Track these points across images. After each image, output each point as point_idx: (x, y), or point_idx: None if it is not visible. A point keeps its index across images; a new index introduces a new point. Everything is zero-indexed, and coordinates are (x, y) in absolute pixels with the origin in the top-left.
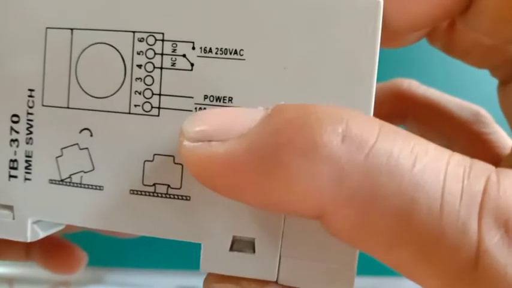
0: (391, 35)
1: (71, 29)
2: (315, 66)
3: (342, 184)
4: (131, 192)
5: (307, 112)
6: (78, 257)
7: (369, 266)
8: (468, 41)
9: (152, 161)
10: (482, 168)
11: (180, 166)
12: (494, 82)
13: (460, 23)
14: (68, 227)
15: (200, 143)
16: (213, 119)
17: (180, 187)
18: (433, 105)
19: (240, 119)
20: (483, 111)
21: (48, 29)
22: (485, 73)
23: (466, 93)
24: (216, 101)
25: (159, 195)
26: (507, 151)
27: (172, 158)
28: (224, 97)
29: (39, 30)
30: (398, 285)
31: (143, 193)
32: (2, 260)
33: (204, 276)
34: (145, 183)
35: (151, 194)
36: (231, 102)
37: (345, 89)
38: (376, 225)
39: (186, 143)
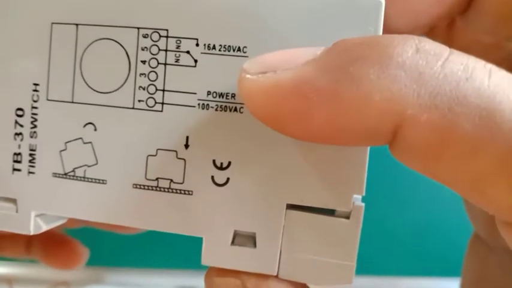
0: (391, 33)
1: (76, 25)
2: None
3: (421, 86)
4: (134, 186)
5: (374, 36)
6: (79, 252)
7: (369, 266)
8: (467, 39)
9: (155, 155)
10: None
11: (183, 161)
12: None
13: (459, 21)
14: (70, 222)
15: (263, 74)
16: (275, 54)
17: (183, 182)
18: None
19: (303, 52)
20: None
21: (53, 24)
22: None
23: None
24: (219, 97)
25: (162, 189)
26: None
27: (175, 152)
28: (227, 93)
29: (44, 25)
30: (399, 285)
31: (146, 187)
32: (2, 255)
33: (203, 275)
34: (148, 177)
35: (154, 188)
36: (234, 99)
37: None
38: (460, 128)
39: (248, 75)
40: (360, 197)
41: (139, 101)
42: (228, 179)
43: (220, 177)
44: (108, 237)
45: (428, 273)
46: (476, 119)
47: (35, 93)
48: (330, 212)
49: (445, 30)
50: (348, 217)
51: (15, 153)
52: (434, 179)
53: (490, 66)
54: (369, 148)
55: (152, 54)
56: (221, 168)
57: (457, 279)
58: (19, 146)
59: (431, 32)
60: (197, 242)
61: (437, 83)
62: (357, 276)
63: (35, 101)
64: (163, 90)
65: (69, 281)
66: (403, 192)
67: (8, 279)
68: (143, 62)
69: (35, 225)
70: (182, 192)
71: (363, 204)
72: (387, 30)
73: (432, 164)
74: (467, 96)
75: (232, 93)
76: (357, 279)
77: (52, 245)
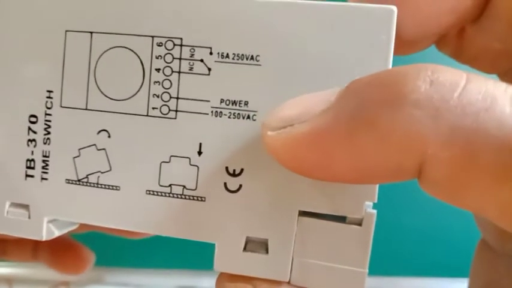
0: (403, 42)
1: (91, 33)
2: (329, 72)
3: (439, 122)
4: (147, 192)
5: (385, 72)
6: (86, 257)
7: (369, 266)
8: (477, 47)
9: (169, 162)
10: None
11: (196, 168)
12: None
13: (472, 28)
14: (78, 227)
15: (283, 129)
16: (291, 106)
17: (196, 188)
18: None
19: (317, 99)
20: None
21: (67, 32)
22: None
23: None
24: (232, 104)
25: (175, 195)
26: None
27: (188, 159)
28: (240, 101)
29: (58, 33)
30: (398, 285)
31: (159, 193)
32: (8, 259)
33: (203, 275)
34: (161, 184)
35: (167, 194)
36: (247, 106)
37: None
38: (483, 160)
39: (269, 132)
40: (371, 203)
41: (153, 108)
42: (240, 185)
43: (233, 184)
44: (108, 238)
45: (429, 273)
46: (498, 150)
47: (49, 100)
48: (342, 219)
49: (455, 38)
50: (360, 224)
51: (28, 160)
52: (465, 209)
53: (511, 91)
54: None
55: (166, 62)
56: (234, 175)
57: (458, 280)
58: (32, 153)
59: (441, 40)
60: (197, 242)
61: (456, 118)
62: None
63: (48, 108)
64: (177, 98)
65: (69, 281)
66: (403, 192)
67: (8, 279)
68: (157, 70)
69: (48, 231)
70: (195, 198)
71: (375, 211)
72: (399, 38)
73: (459, 196)
74: (487, 129)
75: (245, 101)
76: None
77: (59, 249)
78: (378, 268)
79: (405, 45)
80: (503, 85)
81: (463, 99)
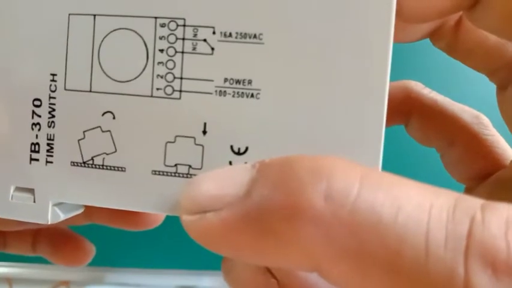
0: (401, 24)
1: (94, 15)
2: (331, 49)
3: (331, 243)
4: (153, 172)
5: (289, 173)
6: (86, 249)
7: None
8: (472, 42)
9: (174, 142)
10: (467, 207)
11: (201, 147)
12: (490, 89)
13: (468, 18)
14: (75, 218)
15: (196, 216)
16: (206, 183)
17: (201, 167)
18: (437, 107)
19: (229, 184)
20: (483, 116)
21: (70, 15)
22: (481, 80)
23: (463, 100)
24: (236, 83)
25: (181, 175)
26: (505, 154)
27: (193, 139)
28: (244, 80)
29: (61, 17)
30: None
31: (165, 173)
32: (8, 252)
33: (203, 275)
34: (167, 164)
35: (172, 174)
36: (250, 85)
37: (360, 72)
38: (369, 277)
39: (184, 217)
40: None
41: (157, 89)
42: (245, 163)
43: (238, 162)
44: (108, 238)
45: None
46: (382, 272)
47: (53, 83)
48: None
49: (450, 31)
50: None
51: (32, 143)
52: None
53: (400, 200)
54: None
55: (170, 43)
56: (239, 153)
57: None
58: (36, 136)
59: (436, 33)
60: (196, 242)
61: (345, 236)
62: None
63: (52, 91)
64: (181, 78)
65: (69, 281)
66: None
67: (8, 279)
68: (161, 50)
69: (53, 215)
70: None
71: None
72: (398, 17)
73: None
74: (371, 251)
75: (248, 80)
76: None
77: (58, 241)
78: None
79: (403, 28)
80: (393, 191)
81: (351, 218)
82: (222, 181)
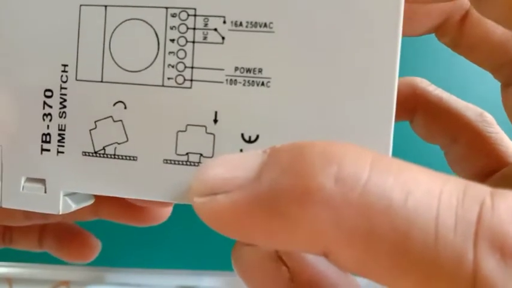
0: (407, 14)
1: (105, 6)
2: (341, 37)
3: (340, 225)
4: (165, 161)
5: (300, 157)
6: (92, 244)
7: None
8: (476, 37)
9: (185, 131)
10: (476, 193)
11: (212, 136)
12: (494, 86)
13: (474, 6)
14: (81, 213)
15: (207, 198)
16: (216, 166)
17: (212, 155)
18: (443, 104)
19: (240, 168)
20: (487, 113)
21: (82, 6)
22: (485, 78)
23: (465, 97)
24: (247, 72)
25: (192, 163)
26: (509, 152)
27: (204, 128)
28: (254, 68)
29: (73, 7)
30: None
31: (176, 162)
32: (15, 247)
33: (203, 275)
34: (178, 152)
35: (184, 163)
36: (261, 74)
37: (371, 60)
38: (378, 260)
39: (195, 199)
40: None
41: (168, 78)
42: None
43: (249, 150)
44: (108, 237)
45: None
46: (390, 254)
47: (64, 73)
48: None
49: (456, 27)
50: None
51: (43, 134)
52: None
53: (409, 185)
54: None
55: (181, 32)
56: (250, 141)
57: None
58: (48, 127)
59: (442, 27)
60: (197, 242)
61: (355, 219)
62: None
63: (64, 82)
64: (192, 68)
65: (69, 281)
66: None
67: (8, 279)
68: (172, 40)
69: (64, 205)
70: None
71: None
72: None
73: (365, 278)
74: (381, 233)
75: (259, 68)
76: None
77: (65, 237)
78: None
79: (410, 22)
80: (403, 176)
81: (361, 201)
82: (233, 165)
